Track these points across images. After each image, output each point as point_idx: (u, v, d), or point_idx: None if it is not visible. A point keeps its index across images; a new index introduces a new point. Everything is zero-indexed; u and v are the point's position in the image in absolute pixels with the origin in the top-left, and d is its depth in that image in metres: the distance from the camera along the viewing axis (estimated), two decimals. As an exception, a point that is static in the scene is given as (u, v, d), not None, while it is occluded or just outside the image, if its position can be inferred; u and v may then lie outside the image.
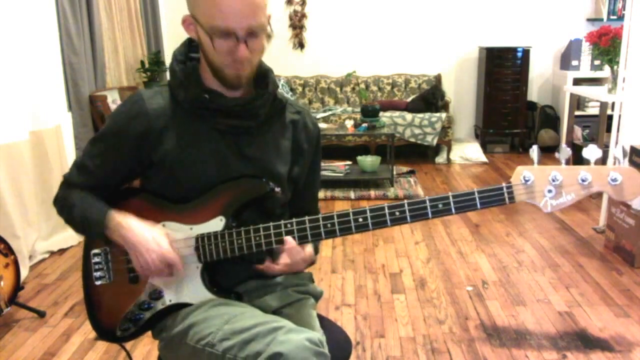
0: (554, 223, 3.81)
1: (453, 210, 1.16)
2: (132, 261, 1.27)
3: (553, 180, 1.12)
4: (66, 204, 1.34)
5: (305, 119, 1.41)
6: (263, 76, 1.33)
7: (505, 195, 1.14)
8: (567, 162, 1.14)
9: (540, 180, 1.13)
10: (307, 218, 1.22)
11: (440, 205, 1.16)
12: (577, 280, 2.94)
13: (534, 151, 1.15)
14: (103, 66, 4.30)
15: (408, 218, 1.18)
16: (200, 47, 1.25)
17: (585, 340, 2.37)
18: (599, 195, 3.98)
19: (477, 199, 1.15)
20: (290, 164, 1.38)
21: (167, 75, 1.32)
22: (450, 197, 1.16)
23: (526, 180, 1.13)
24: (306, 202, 1.47)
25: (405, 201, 1.18)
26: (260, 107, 1.30)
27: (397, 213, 1.18)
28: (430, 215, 1.17)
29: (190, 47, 1.32)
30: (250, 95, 1.30)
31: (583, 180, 1.11)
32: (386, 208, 1.18)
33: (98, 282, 1.37)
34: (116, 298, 1.35)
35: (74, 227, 1.36)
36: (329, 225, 1.21)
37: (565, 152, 1.13)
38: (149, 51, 5.21)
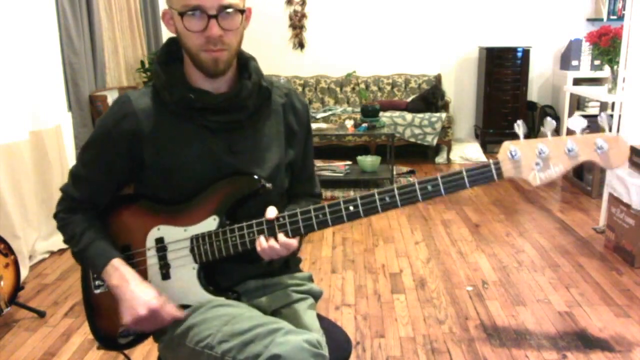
0: (554, 223, 3.81)
1: (442, 192, 1.15)
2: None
3: (540, 153, 1.11)
4: (67, 230, 1.35)
5: (293, 100, 1.40)
6: (245, 66, 1.32)
7: (494, 171, 1.13)
8: (553, 134, 1.13)
9: (527, 154, 1.12)
10: (298, 210, 1.22)
11: (429, 187, 1.15)
12: (577, 280, 2.94)
13: (519, 126, 1.14)
14: (103, 66, 4.30)
15: (398, 202, 1.17)
16: (180, 40, 1.24)
17: (585, 340, 2.37)
18: (599, 195, 3.98)
19: (466, 178, 1.14)
20: (285, 150, 1.37)
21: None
22: (439, 178, 1.15)
23: (513, 155, 1.12)
24: (305, 184, 1.47)
25: (395, 186, 1.17)
26: (247, 99, 1.29)
27: (387, 198, 1.17)
28: (420, 198, 1.16)
29: (170, 48, 1.30)
30: (235, 88, 1.28)
31: (570, 151, 1.10)
32: (376, 194, 1.18)
33: (97, 291, 1.37)
34: (116, 306, 1.35)
35: (72, 254, 1.36)
36: (320, 215, 1.20)
37: (550, 124, 1.12)
38: (149, 51, 5.20)
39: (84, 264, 1.37)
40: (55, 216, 1.38)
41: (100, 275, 1.30)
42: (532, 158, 1.12)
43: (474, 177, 1.14)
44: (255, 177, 1.27)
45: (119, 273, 1.27)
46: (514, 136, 1.14)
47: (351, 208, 1.19)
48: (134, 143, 1.27)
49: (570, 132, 1.13)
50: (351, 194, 4.56)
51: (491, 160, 1.14)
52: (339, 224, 1.21)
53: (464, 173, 1.14)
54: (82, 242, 1.31)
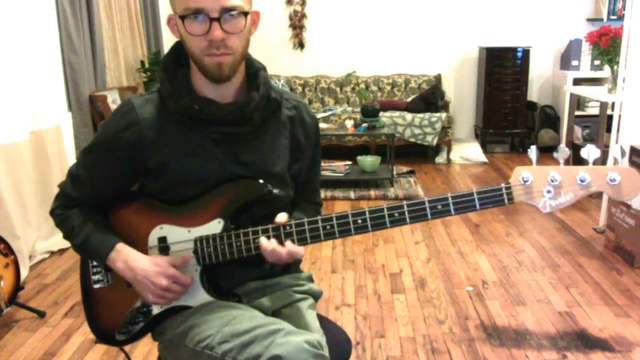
0: (554, 223, 3.81)
1: (452, 212, 1.16)
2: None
3: (552, 181, 1.12)
4: (66, 225, 1.34)
5: (302, 113, 1.39)
6: (254, 76, 1.30)
7: (504, 195, 1.14)
8: (566, 163, 1.14)
9: (538, 180, 1.13)
10: (305, 220, 1.21)
11: (439, 206, 1.16)
12: (577, 280, 2.94)
13: (533, 151, 1.15)
14: (103, 66, 4.30)
15: (407, 219, 1.17)
16: (184, 45, 1.22)
17: (585, 340, 2.37)
18: (599, 195, 3.98)
19: (476, 200, 1.15)
20: (290, 162, 1.36)
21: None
22: (450, 198, 1.15)
23: (525, 181, 1.13)
24: (307, 195, 1.47)
25: (405, 202, 1.17)
26: (254, 112, 1.27)
27: (396, 214, 1.17)
28: (429, 216, 1.17)
29: (178, 52, 1.28)
30: (242, 100, 1.26)
31: (582, 181, 1.11)
32: (385, 209, 1.18)
33: (96, 286, 1.37)
34: (115, 301, 1.35)
35: (73, 247, 1.35)
36: (327, 227, 1.20)
37: (563, 152, 1.13)
38: (149, 51, 5.20)
39: (86, 255, 1.37)
40: (52, 212, 1.38)
41: (105, 264, 1.30)
42: (543, 185, 1.13)
43: (485, 199, 1.15)
44: (261, 181, 1.26)
45: (123, 256, 1.27)
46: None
47: (359, 221, 1.19)
48: (137, 152, 1.26)
49: (583, 162, 1.13)
50: (351, 194, 4.57)
51: (502, 184, 1.15)
52: (346, 236, 1.21)
53: (475, 195, 1.15)
54: (82, 234, 1.31)
